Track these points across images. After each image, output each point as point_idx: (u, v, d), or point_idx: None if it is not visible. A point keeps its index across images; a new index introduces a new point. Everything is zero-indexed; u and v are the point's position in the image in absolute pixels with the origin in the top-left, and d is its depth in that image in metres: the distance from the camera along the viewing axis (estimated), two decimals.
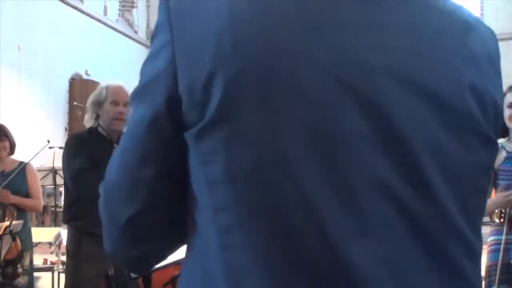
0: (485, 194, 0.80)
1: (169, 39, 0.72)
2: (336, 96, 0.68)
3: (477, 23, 0.81)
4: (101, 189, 0.81)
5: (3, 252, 3.71)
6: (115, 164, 0.78)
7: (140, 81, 0.76)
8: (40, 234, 5.49)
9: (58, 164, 5.52)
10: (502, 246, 3.02)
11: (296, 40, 0.68)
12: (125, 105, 3.34)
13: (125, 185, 0.77)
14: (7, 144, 4.21)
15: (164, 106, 0.72)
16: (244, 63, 0.67)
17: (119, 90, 3.36)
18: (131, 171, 0.76)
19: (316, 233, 0.68)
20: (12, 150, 4.27)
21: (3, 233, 3.64)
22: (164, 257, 0.86)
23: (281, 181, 0.67)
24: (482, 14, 10.62)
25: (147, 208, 0.77)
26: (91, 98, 3.41)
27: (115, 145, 3.35)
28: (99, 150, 3.21)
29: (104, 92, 3.34)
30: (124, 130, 0.80)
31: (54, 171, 7.94)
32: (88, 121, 3.42)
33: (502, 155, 3.10)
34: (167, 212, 0.78)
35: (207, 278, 0.71)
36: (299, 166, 0.67)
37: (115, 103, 3.31)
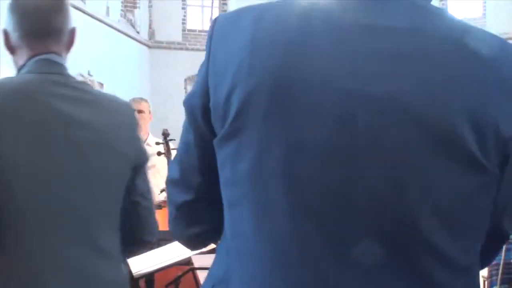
0: (486, 212, 0.81)
1: (206, 60, 0.87)
2: (326, 114, 0.78)
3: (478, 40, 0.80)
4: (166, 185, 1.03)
5: None
6: (176, 165, 0.99)
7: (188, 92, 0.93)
8: None
9: None
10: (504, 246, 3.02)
11: (299, 68, 0.79)
12: None
13: (182, 182, 0.98)
14: None
15: (201, 118, 0.88)
16: (255, 84, 0.80)
17: None
18: (186, 172, 0.97)
19: (297, 242, 0.79)
20: None
21: None
22: (215, 238, 1.01)
23: (268, 191, 0.80)
24: (484, 14, 10.61)
25: (197, 198, 0.97)
26: None
27: None
28: None
29: None
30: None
31: None
32: None
33: None
34: (212, 204, 0.93)
35: (227, 256, 0.88)
36: (285, 178, 0.79)
37: None
